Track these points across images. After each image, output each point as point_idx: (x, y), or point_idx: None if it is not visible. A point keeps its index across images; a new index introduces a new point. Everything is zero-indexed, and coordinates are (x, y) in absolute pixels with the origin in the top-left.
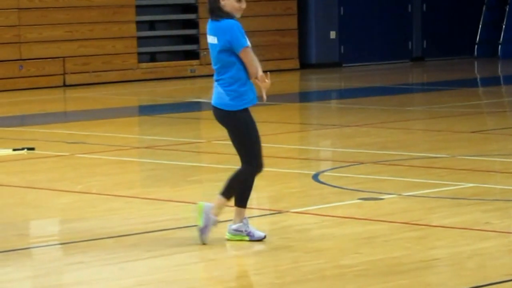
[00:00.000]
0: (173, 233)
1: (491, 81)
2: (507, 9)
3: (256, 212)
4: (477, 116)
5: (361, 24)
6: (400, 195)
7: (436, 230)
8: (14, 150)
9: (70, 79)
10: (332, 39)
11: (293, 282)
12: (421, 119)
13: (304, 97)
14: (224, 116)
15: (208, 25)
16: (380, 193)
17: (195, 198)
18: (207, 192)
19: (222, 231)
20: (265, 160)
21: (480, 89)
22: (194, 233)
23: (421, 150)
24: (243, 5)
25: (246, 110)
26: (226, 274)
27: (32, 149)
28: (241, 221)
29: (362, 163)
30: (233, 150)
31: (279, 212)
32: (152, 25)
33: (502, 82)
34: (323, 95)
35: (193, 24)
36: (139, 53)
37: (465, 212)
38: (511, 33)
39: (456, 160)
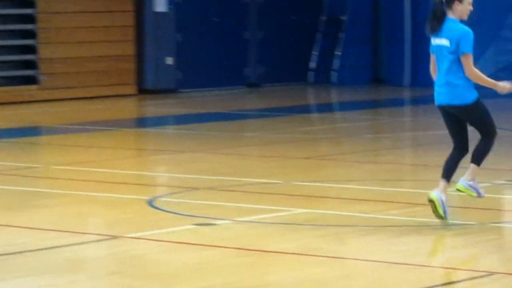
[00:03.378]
0: (8, 258)
1: (325, 108)
2: (341, 37)
3: (92, 238)
4: (311, 142)
5: (198, 51)
6: (234, 220)
7: (269, 256)
8: None
9: None
10: (169, 65)
11: None
12: (256, 145)
13: (141, 122)
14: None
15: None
16: (214, 218)
17: (33, 223)
18: (46, 218)
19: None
20: (101, 186)
21: (314, 115)
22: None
23: (255, 176)
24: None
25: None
26: None
27: None
28: (474, 179)
29: (197, 188)
30: (72, 175)
31: (114, 237)
32: None
33: (335, 108)
34: (160, 121)
35: (32, 49)
36: None
37: (298, 237)
38: (344, 60)
39: (290, 186)
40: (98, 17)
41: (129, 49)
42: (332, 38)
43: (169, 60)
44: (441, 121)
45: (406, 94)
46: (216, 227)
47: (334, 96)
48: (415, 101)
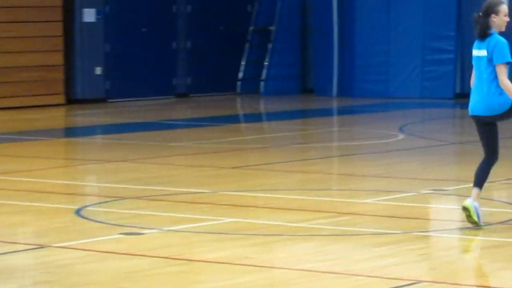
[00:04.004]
0: None
1: (253, 118)
2: (269, 47)
3: (20, 247)
4: (239, 152)
5: (126, 61)
6: (162, 230)
7: (198, 265)
8: None
9: None
10: (98, 75)
11: None
12: (184, 155)
13: (70, 132)
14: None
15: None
16: (142, 228)
17: None
18: None
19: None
20: (31, 196)
21: (243, 125)
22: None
23: (183, 185)
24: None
25: None
26: None
27: None
28: (478, 201)
29: (125, 198)
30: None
31: (42, 247)
32: None
33: (263, 118)
34: (89, 131)
35: None
36: None
37: (226, 246)
38: (273, 70)
39: (218, 195)
40: (27, 27)
41: (58, 59)
42: (261, 48)
43: (98, 70)
44: (368, 131)
45: (334, 104)
46: (144, 237)
47: (263, 106)
48: (343, 111)
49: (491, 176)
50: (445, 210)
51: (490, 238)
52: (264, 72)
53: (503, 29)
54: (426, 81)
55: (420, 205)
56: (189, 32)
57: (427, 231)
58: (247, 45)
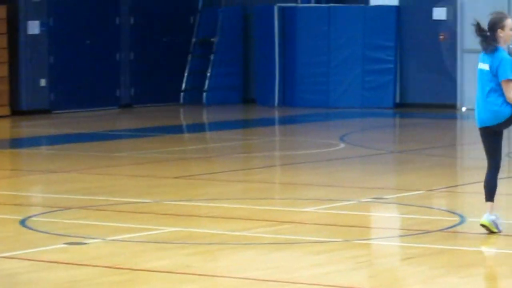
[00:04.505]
0: None
1: (196, 128)
2: (212, 58)
3: None
4: (182, 162)
5: (71, 72)
6: (104, 239)
7: (141, 274)
8: None
9: None
10: (43, 86)
11: None
12: (128, 165)
13: (15, 143)
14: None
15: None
16: (85, 237)
17: None
18: None
19: None
20: None
21: (186, 135)
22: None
23: (127, 195)
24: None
25: None
26: None
27: None
28: (493, 213)
29: (69, 208)
30: None
31: None
32: None
33: (206, 128)
34: (33, 142)
35: None
36: None
37: (169, 255)
38: (215, 81)
39: (161, 205)
40: None
41: (3, 70)
42: (203, 59)
43: (43, 82)
44: (309, 140)
45: (276, 114)
46: (88, 246)
47: (206, 116)
48: (284, 121)
49: (431, 185)
50: (385, 218)
51: (430, 246)
52: (207, 82)
53: (509, 42)
54: (366, 91)
55: (360, 213)
56: (132, 44)
57: (367, 239)
58: (189, 56)
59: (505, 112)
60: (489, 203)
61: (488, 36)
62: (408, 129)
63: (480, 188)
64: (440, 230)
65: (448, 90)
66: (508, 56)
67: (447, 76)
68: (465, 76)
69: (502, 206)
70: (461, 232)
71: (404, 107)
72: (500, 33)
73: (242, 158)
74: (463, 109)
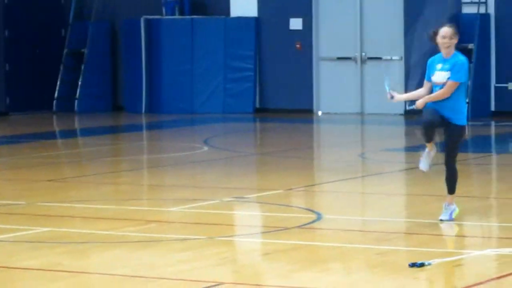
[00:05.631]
0: None
1: (68, 134)
2: (82, 68)
3: None
4: (55, 166)
5: None
6: None
7: (14, 272)
8: None
9: None
10: None
11: None
12: (3, 170)
13: None
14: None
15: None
16: None
17: None
18: None
19: None
20: None
21: (59, 141)
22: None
23: (2, 198)
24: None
25: None
26: None
27: None
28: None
29: None
30: None
31: None
32: None
33: (78, 134)
34: None
35: None
36: None
37: (42, 254)
38: (86, 90)
39: (35, 206)
40: None
41: None
42: (75, 69)
43: None
44: (175, 144)
45: (143, 120)
46: None
47: (77, 123)
48: (151, 127)
49: (289, 185)
50: (246, 216)
51: (288, 242)
52: (78, 91)
53: (442, 51)
54: (228, 98)
55: (223, 212)
56: (7, 55)
57: (229, 236)
58: (61, 66)
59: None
60: (448, 196)
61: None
62: (267, 133)
63: (335, 187)
64: (298, 227)
65: (304, 96)
66: (464, 59)
67: (303, 83)
68: (321, 83)
69: (357, 204)
70: (318, 229)
71: (263, 112)
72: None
73: (111, 161)
74: (319, 113)
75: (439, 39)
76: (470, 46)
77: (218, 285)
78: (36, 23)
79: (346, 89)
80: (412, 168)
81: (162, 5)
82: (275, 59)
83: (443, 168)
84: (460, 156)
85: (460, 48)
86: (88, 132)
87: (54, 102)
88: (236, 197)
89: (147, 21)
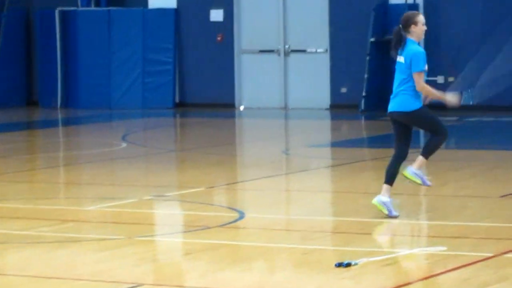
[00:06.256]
0: None
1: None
2: None
3: None
4: None
5: None
6: None
7: None
8: None
9: None
10: None
11: None
12: None
13: None
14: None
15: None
16: None
17: None
18: None
19: None
20: None
21: None
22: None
23: None
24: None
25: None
26: None
27: None
28: (420, 169)
29: None
30: None
31: None
32: None
33: None
34: None
35: None
36: None
37: None
38: None
39: None
40: None
41: None
42: None
43: None
44: (92, 140)
45: (59, 115)
46: None
47: None
48: (67, 122)
49: (211, 182)
50: (167, 215)
51: (209, 241)
52: None
53: (422, 37)
54: (147, 92)
55: (143, 210)
56: None
57: (149, 236)
58: None
59: (411, 103)
60: (385, 185)
61: (401, 33)
62: (188, 128)
63: (258, 185)
64: (220, 226)
65: (226, 90)
66: (420, 49)
67: (225, 76)
68: (243, 76)
69: (282, 202)
70: (241, 228)
71: (184, 107)
72: (413, 29)
73: (26, 159)
74: (241, 107)
75: (421, 27)
76: None
77: (138, 286)
78: None
79: (269, 82)
80: (338, 164)
81: None
82: (195, 52)
83: (368, 164)
84: (388, 152)
85: (387, 40)
86: (0, 127)
87: None
88: (156, 195)
89: (62, 13)
